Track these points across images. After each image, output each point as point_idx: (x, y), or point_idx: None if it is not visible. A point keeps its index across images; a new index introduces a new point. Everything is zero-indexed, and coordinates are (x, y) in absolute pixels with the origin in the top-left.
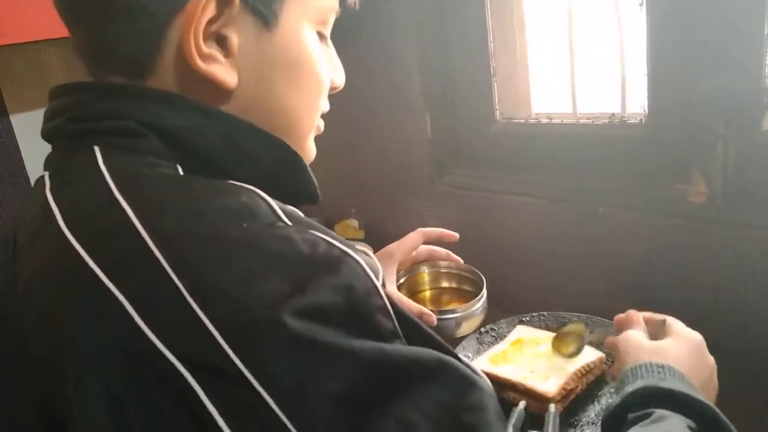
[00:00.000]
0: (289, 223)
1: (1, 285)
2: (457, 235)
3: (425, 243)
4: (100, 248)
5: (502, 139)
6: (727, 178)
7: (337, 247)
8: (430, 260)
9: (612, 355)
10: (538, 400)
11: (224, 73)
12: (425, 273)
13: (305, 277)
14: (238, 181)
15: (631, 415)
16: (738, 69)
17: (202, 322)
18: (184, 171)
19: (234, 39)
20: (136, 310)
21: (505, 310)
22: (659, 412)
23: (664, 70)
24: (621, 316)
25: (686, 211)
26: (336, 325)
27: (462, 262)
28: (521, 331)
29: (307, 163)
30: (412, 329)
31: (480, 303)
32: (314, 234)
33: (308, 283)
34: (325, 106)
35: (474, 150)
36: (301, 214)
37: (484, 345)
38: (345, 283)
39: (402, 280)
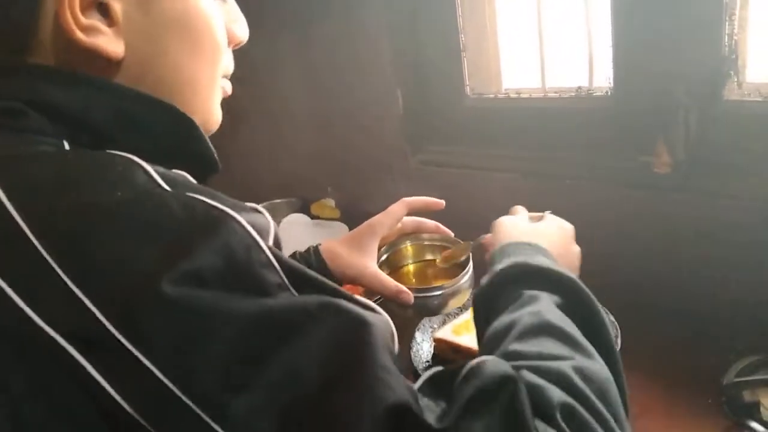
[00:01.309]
0: (167, 188)
1: None
2: (443, 202)
3: (410, 214)
4: None
5: (473, 114)
6: (690, 147)
7: (216, 208)
8: (418, 233)
9: None
10: None
11: (108, 43)
12: (408, 246)
13: (181, 242)
14: (131, 152)
15: (502, 297)
16: (698, 41)
17: (79, 299)
18: (71, 146)
19: (116, 6)
20: (18, 294)
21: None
22: (528, 293)
23: (628, 44)
24: (510, 209)
25: (651, 181)
26: (215, 287)
27: (452, 234)
28: None
29: (214, 129)
30: (302, 280)
31: (466, 278)
32: (192, 197)
33: (184, 247)
34: (227, 66)
35: (446, 126)
36: (188, 177)
37: (450, 317)
38: (222, 243)
39: (384, 256)
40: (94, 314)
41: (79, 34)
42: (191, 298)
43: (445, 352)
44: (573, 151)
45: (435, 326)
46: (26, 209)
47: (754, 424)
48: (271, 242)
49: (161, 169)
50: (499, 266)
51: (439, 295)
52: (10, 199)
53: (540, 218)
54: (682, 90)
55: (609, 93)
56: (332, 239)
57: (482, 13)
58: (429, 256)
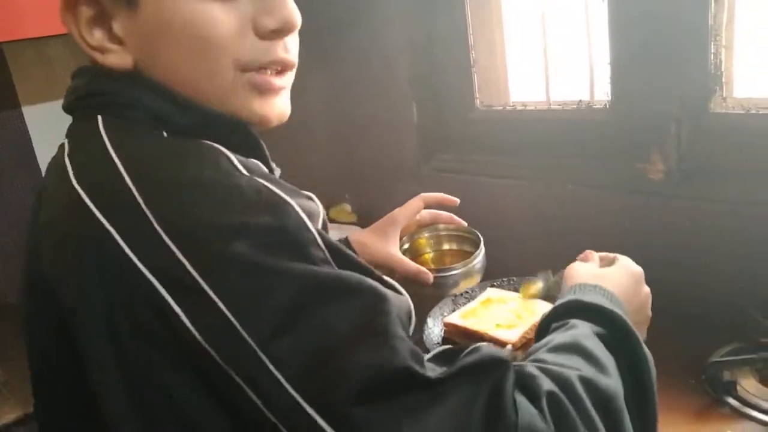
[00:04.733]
0: (245, 173)
1: (31, 227)
2: (457, 200)
3: (426, 207)
4: (98, 195)
5: (483, 125)
6: (682, 156)
7: (277, 194)
8: (434, 224)
9: None
10: (502, 347)
11: (116, 59)
12: (426, 237)
13: (248, 215)
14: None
15: (554, 325)
16: (688, 60)
17: (167, 245)
18: (168, 134)
19: (115, 26)
20: (122, 238)
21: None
22: (573, 321)
23: (625, 61)
24: (580, 255)
25: (646, 187)
26: (272, 252)
27: (465, 224)
28: (490, 292)
29: (267, 124)
30: (342, 259)
31: (478, 260)
32: (261, 182)
33: (250, 219)
34: (250, 59)
35: (457, 135)
36: (261, 166)
37: (459, 305)
38: (280, 221)
39: (406, 246)
40: (178, 257)
41: (100, 57)
42: (254, 256)
43: (454, 335)
44: (575, 159)
45: (445, 313)
46: (136, 177)
47: (731, 401)
48: (320, 224)
49: (241, 157)
50: (557, 302)
51: (454, 275)
52: (125, 169)
53: (611, 261)
54: (674, 104)
55: (607, 106)
56: (360, 231)
57: (491, 31)
58: (445, 246)
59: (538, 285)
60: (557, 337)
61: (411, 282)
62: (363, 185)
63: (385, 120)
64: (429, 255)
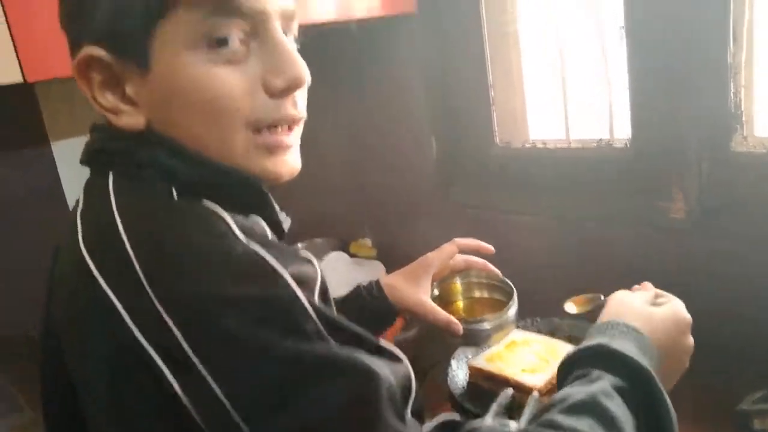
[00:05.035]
0: (241, 238)
1: (48, 285)
2: (492, 248)
3: (461, 253)
4: (101, 260)
5: (502, 162)
6: (702, 194)
7: (271, 264)
8: (468, 270)
9: None
10: (527, 392)
11: (129, 119)
12: (457, 283)
13: (241, 287)
14: (222, 202)
15: (576, 371)
16: (708, 99)
17: (165, 321)
18: (178, 193)
19: (127, 89)
20: (123, 308)
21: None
22: (595, 373)
23: (645, 100)
24: (637, 285)
25: (668, 225)
26: (263, 327)
27: (499, 273)
28: (515, 335)
29: (278, 180)
30: (337, 330)
31: (511, 312)
32: (257, 251)
33: (244, 291)
34: (259, 117)
35: (476, 171)
36: (261, 224)
37: (484, 347)
38: (272, 294)
39: (436, 292)
40: (173, 331)
41: (113, 118)
42: (244, 332)
43: (479, 379)
44: (595, 196)
45: (469, 355)
46: (137, 245)
47: None
48: (317, 289)
49: (240, 219)
50: (585, 342)
51: (488, 328)
52: (128, 236)
53: (663, 299)
54: (695, 143)
55: (628, 145)
56: (392, 274)
57: (510, 70)
58: (477, 293)
59: (588, 303)
60: (575, 394)
61: (441, 331)
62: (383, 220)
63: (404, 155)
64: (460, 302)
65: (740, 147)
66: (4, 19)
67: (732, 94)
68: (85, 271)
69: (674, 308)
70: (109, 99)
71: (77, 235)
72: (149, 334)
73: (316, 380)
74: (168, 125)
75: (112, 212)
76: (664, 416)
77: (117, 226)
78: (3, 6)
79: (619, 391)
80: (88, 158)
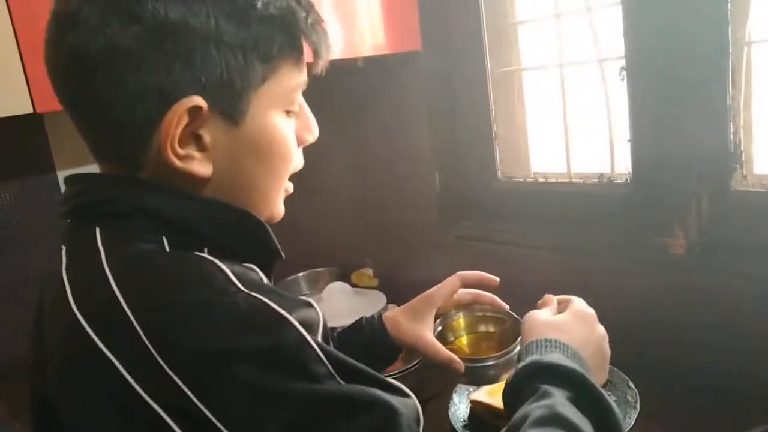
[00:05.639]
0: (241, 288)
1: (34, 343)
2: (497, 279)
3: (464, 286)
4: (95, 319)
5: (504, 196)
6: (703, 231)
7: (275, 310)
8: (473, 304)
9: None
10: None
11: (199, 166)
12: (461, 318)
13: (247, 336)
14: (216, 247)
15: (523, 392)
16: (707, 138)
17: (173, 379)
18: (169, 242)
19: (207, 137)
20: (127, 371)
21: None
22: (544, 388)
23: (645, 137)
24: (540, 300)
25: (668, 260)
26: (273, 373)
27: (507, 308)
28: None
29: (276, 220)
30: (347, 370)
31: (516, 350)
32: (258, 298)
33: (249, 340)
34: (296, 165)
35: (478, 205)
36: (258, 272)
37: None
38: (279, 341)
39: (440, 328)
40: (181, 388)
41: (177, 162)
42: (254, 381)
43: (481, 412)
44: (596, 231)
45: (471, 389)
46: (134, 303)
47: None
48: (320, 332)
49: (237, 268)
50: (521, 364)
51: (492, 365)
52: (122, 294)
53: (565, 305)
54: (694, 181)
55: (628, 180)
56: (395, 309)
57: (513, 106)
58: (482, 328)
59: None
60: (535, 410)
61: (443, 370)
62: (385, 250)
63: (407, 187)
64: (463, 338)
65: (740, 185)
66: (17, 50)
67: (731, 134)
68: (84, 338)
69: (576, 308)
70: (186, 145)
71: (66, 295)
72: (159, 396)
73: (332, 420)
74: (231, 172)
75: (104, 272)
76: (609, 413)
77: (111, 287)
78: (16, 37)
79: (569, 399)
80: (68, 213)
